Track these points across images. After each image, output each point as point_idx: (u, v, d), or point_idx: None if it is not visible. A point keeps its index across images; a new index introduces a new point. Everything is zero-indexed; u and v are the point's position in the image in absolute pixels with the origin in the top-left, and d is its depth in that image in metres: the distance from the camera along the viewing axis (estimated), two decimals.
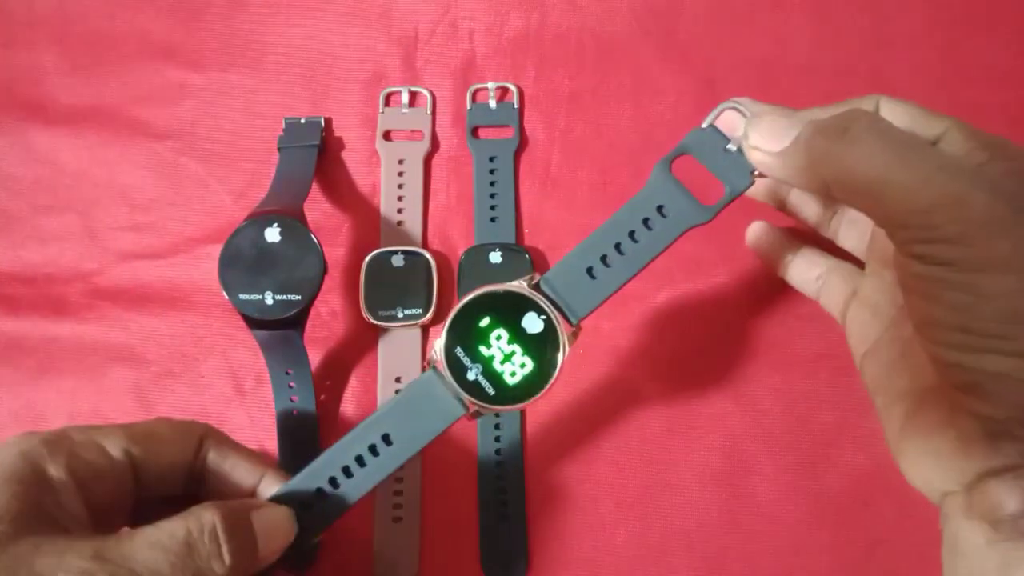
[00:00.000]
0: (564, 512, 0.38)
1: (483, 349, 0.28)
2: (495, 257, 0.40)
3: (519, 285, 0.29)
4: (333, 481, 0.29)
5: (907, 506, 0.37)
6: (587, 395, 0.39)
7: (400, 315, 0.40)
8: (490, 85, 0.44)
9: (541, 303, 0.28)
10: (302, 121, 0.43)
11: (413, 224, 0.42)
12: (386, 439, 0.29)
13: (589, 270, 0.28)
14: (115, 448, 0.28)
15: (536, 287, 0.29)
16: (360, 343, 0.41)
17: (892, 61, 0.43)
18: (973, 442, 0.25)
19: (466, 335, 0.28)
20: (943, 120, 0.26)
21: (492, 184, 0.42)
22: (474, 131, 0.43)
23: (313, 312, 0.36)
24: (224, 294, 0.35)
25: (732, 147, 0.28)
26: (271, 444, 0.39)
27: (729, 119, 0.29)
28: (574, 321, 0.29)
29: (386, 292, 0.40)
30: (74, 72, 0.46)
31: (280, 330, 0.37)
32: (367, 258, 0.40)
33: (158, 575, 0.23)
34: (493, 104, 0.44)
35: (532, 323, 0.28)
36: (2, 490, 0.24)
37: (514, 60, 0.44)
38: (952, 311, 0.23)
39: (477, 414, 0.29)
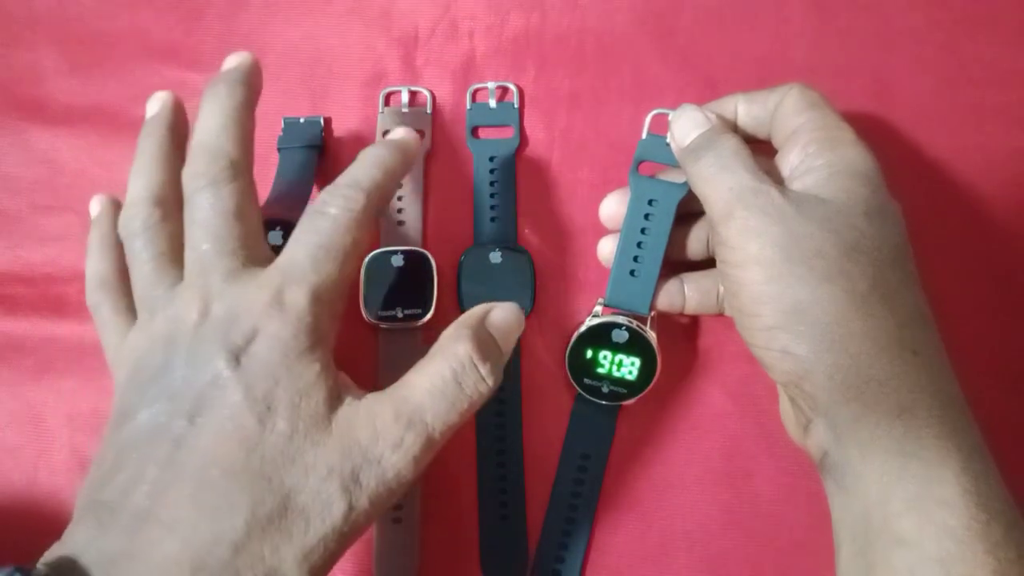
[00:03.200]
0: None
1: (600, 370, 0.37)
2: (495, 257, 0.40)
3: (592, 318, 0.37)
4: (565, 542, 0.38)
5: None
6: None
7: (400, 315, 0.40)
8: (490, 85, 0.44)
9: (615, 319, 0.36)
10: (301, 121, 0.43)
11: (413, 224, 0.42)
12: (585, 457, 0.38)
13: (631, 273, 0.36)
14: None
15: (606, 309, 0.37)
16: (360, 343, 0.41)
17: (892, 61, 0.43)
18: (792, 406, 0.32)
19: (583, 367, 0.37)
20: (808, 112, 0.32)
21: (492, 184, 0.42)
22: (474, 131, 0.43)
23: None
24: None
25: (668, 141, 0.35)
26: None
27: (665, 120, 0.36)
28: (645, 312, 0.36)
29: (386, 292, 0.40)
30: (74, 72, 0.45)
31: None
32: (367, 258, 0.40)
33: (445, 419, 0.28)
34: (493, 104, 0.44)
35: (619, 335, 0.36)
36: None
37: (514, 60, 0.44)
38: (732, 296, 0.31)
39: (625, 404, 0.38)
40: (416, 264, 0.40)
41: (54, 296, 0.42)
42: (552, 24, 0.45)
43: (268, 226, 0.36)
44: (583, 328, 0.37)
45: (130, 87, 0.45)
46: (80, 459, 0.40)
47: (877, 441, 0.28)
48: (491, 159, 0.43)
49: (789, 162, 0.32)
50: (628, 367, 0.36)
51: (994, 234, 0.40)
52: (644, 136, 0.37)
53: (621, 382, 0.37)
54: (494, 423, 0.39)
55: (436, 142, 0.44)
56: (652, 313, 0.36)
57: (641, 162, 0.37)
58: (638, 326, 0.36)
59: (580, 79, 0.44)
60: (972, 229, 0.41)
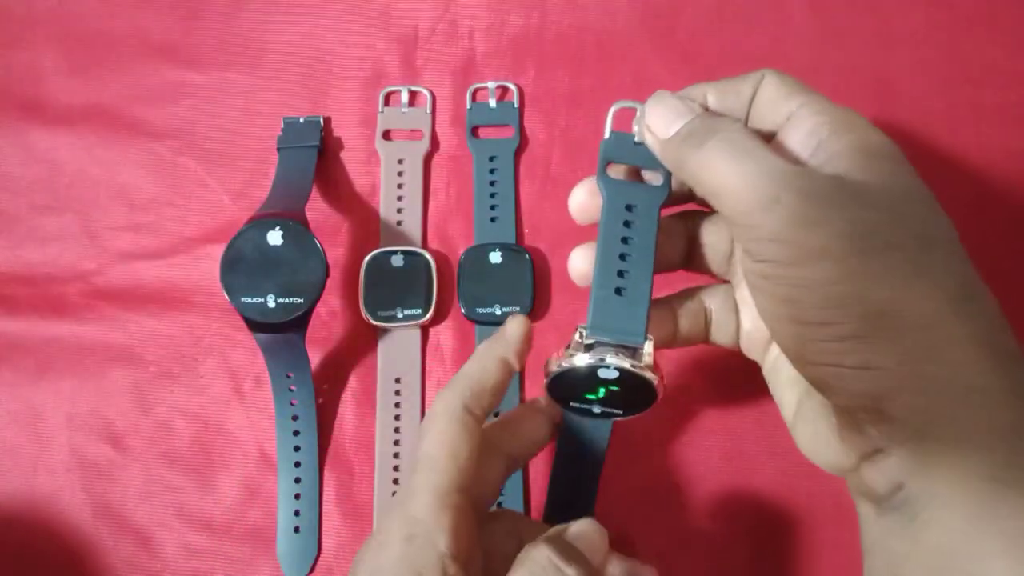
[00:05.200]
0: None
1: (589, 396, 0.30)
2: (495, 257, 0.40)
3: (574, 355, 0.29)
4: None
5: None
6: None
7: (400, 315, 0.40)
8: (490, 84, 0.44)
9: (599, 360, 0.29)
10: (301, 121, 0.43)
11: (413, 224, 0.42)
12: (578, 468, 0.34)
13: (617, 291, 0.29)
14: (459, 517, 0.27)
15: (590, 343, 0.29)
16: (360, 343, 0.41)
17: (893, 60, 0.43)
18: (844, 430, 0.27)
19: (569, 396, 0.31)
20: (799, 97, 0.28)
21: (492, 184, 0.42)
22: (474, 130, 0.43)
23: (313, 312, 0.36)
24: (226, 296, 0.35)
25: (638, 139, 0.30)
26: (270, 445, 0.39)
27: (628, 116, 0.31)
28: (640, 340, 0.29)
29: (386, 292, 0.40)
30: (74, 72, 0.45)
31: (282, 333, 0.37)
32: (367, 258, 0.40)
33: None
34: (493, 103, 0.44)
35: (608, 373, 0.29)
36: None
37: (514, 59, 0.44)
38: (784, 304, 0.25)
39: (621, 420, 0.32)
40: (416, 264, 0.40)
41: (54, 296, 0.42)
42: (552, 24, 0.45)
43: (268, 226, 0.36)
44: (557, 370, 0.29)
45: (130, 87, 0.45)
46: (80, 459, 0.40)
47: (975, 466, 0.24)
48: (491, 159, 0.43)
49: (795, 149, 0.28)
50: (621, 397, 0.30)
51: (994, 234, 0.40)
52: (607, 135, 0.31)
53: (614, 405, 0.31)
54: None
55: (436, 142, 0.44)
56: (649, 339, 0.29)
57: (608, 163, 0.31)
58: (632, 364, 0.28)
59: (580, 79, 0.44)
60: (972, 229, 0.41)
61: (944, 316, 0.24)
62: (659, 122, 0.29)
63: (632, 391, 0.29)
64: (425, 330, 0.41)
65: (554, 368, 0.30)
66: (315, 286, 0.36)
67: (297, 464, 0.39)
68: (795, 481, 0.38)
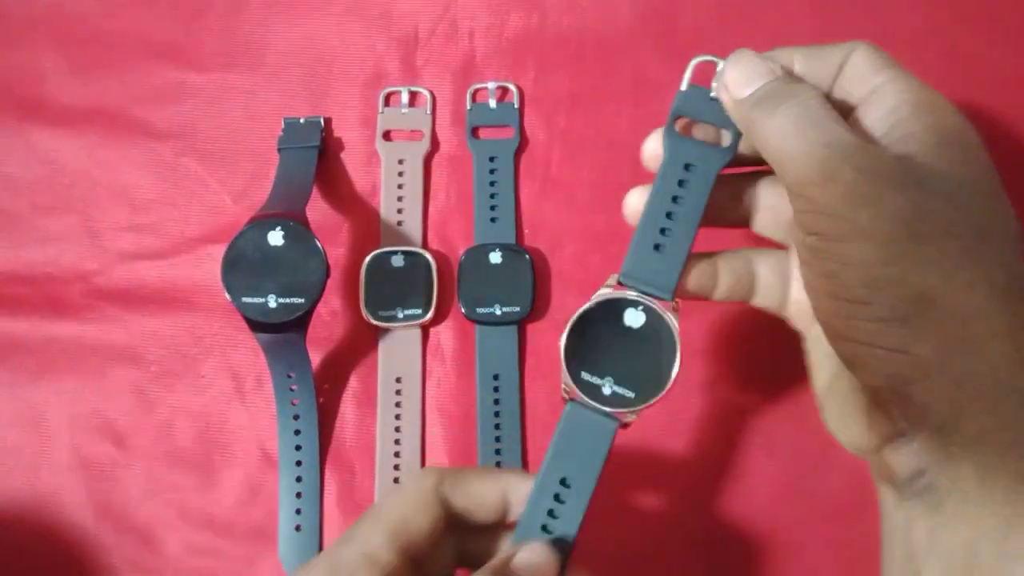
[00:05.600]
0: None
1: (605, 361, 0.29)
2: (495, 257, 0.40)
3: (603, 293, 0.29)
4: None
5: None
6: None
7: (400, 315, 0.40)
8: (490, 85, 0.44)
9: (632, 296, 0.29)
10: (301, 121, 0.43)
11: (413, 224, 0.42)
12: (564, 483, 0.29)
13: (656, 247, 0.29)
14: (386, 553, 0.25)
15: (619, 284, 0.29)
16: (360, 343, 0.41)
17: None
18: (871, 410, 0.26)
19: (584, 356, 0.29)
20: (887, 72, 0.27)
21: (492, 184, 0.42)
22: (474, 131, 0.43)
23: (313, 312, 0.36)
24: (227, 297, 0.35)
25: (714, 95, 0.29)
26: (271, 445, 0.39)
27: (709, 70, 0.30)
28: (668, 297, 0.29)
29: (386, 292, 0.40)
30: (74, 72, 0.45)
31: (283, 333, 0.37)
32: (367, 258, 0.40)
33: None
34: (493, 104, 0.44)
35: (634, 318, 0.29)
36: None
37: (514, 60, 0.44)
38: (825, 279, 0.25)
39: (627, 422, 0.29)
40: (416, 264, 0.40)
41: (54, 296, 0.42)
42: (552, 24, 0.45)
43: (268, 226, 0.36)
44: (590, 303, 0.29)
45: (130, 87, 0.45)
46: (80, 459, 0.40)
47: (1006, 465, 0.23)
48: (491, 159, 0.43)
49: (872, 125, 0.27)
50: (640, 359, 0.29)
51: None
52: (684, 87, 0.30)
53: (629, 379, 0.29)
54: (492, 425, 0.39)
55: (436, 142, 0.44)
56: (676, 301, 0.29)
57: (679, 117, 0.30)
58: (660, 308, 0.29)
59: (580, 79, 0.44)
60: None
61: (989, 310, 0.23)
62: (736, 81, 0.28)
63: (650, 350, 0.28)
64: (425, 330, 0.41)
65: (583, 307, 0.29)
66: (316, 286, 0.36)
67: (298, 463, 0.39)
68: (795, 481, 0.38)
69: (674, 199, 0.30)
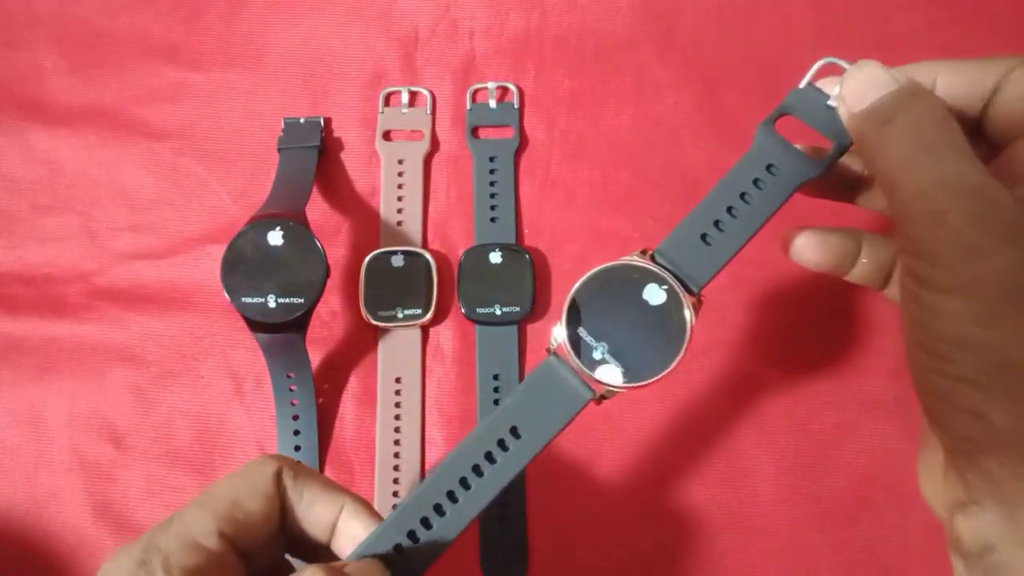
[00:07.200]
0: (564, 512, 0.38)
1: (608, 324, 0.27)
2: (495, 257, 0.40)
3: (634, 258, 0.27)
4: (442, 504, 0.26)
5: (907, 506, 0.37)
6: None
7: (400, 315, 0.40)
8: (490, 85, 0.44)
9: (660, 273, 0.27)
10: (301, 121, 0.43)
11: (413, 224, 0.42)
12: (514, 432, 0.27)
13: (703, 236, 0.27)
14: (209, 538, 0.24)
15: (652, 260, 0.27)
16: (360, 343, 0.41)
17: (893, 61, 0.43)
18: (947, 471, 0.24)
19: (588, 313, 0.27)
20: None
21: (492, 184, 0.42)
22: (474, 131, 0.43)
23: (313, 312, 0.36)
24: (227, 296, 0.35)
25: (833, 103, 0.27)
26: (271, 445, 0.39)
27: (829, 75, 0.28)
28: (695, 290, 0.27)
29: (386, 292, 0.40)
30: (74, 72, 0.45)
31: (282, 333, 0.37)
32: (367, 258, 0.40)
33: None
34: (493, 104, 0.44)
35: (654, 295, 0.27)
36: None
37: (514, 60, 0.44)
38: (912, 324, 0.23)
39: (604, 397, 0.27)
40: (416, 264, 0.40)
41: (54, 296, 0.42)
42: (552, 24, 0.45)
43: (268, 226, 0.36)
44: (615, 262, 0.27)
45: (130, 87, 0.45)
46: (80, 459, 0.40)
47: None
48: (491, 159, 0.43)
49: (1019, 162, 0.24)
50: (642, 339, 0.27)
51: None
52: (802, 85, 0.28)
53: (623, 354, 0.27)
54: None
55: (436, 142, 0.44)
56: (700, 298, 0.27)
57: (783, 115, 0.28)
58: (684, 294, 0.27)
59: (580, 79, 0.44)
60: None
61: None
62: (854, 91, 0.25)
63: (657, 334, 0.27)
64: (425, 330, 0.41)
65: (606, 264, 0.27)
66: (316, 286, 0.36)
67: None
68: (795, 481, 0.38)
69: (742, 195, 0.27)
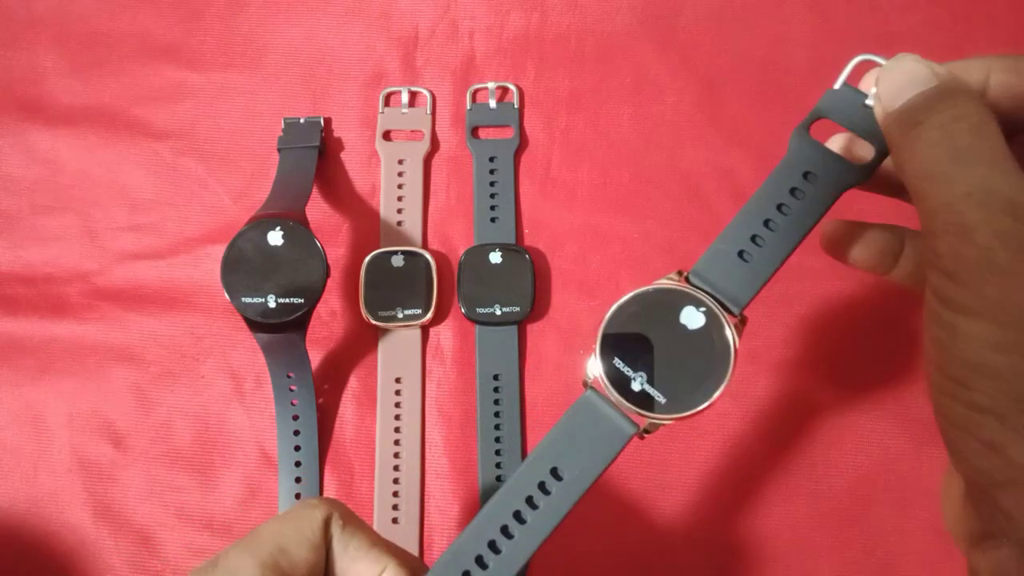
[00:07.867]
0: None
1: (647, 355, 0.25)
2: (495, 257, 0.40)
3: (668, 282, 0.26)
4: (483, 556, 0.25)
5: (907, 506, 0.37)
6: None
7: (400, 315, 0.40)
8: (490, 85, 0.44)
9: (697, 295, 0.25)
10: (301, 121, 0.43)
11: (413, 224, 0.42)
12: (555, 473, 0.25)
13: (740, 253, 0.26)
14: None
15: (687, 281, 0.26)
16: (360, 343, 0.41)
17: None
18: (964, 502, 0.23)
19: (623, 343, 0.25)
20: None
21: (492, 184, 0.42)
22: (474, 131, 0.43)
23: (313, 312, 0.36)
24: (227, 296, 0.35)
25: (870, 101, 0.25)
26: (271, 445, 0.39)
27: (866, 74, 0.26)
28: (736, 311, 0.26)
29: (386, 292, 0.40)
30: (74, 72, 0.45)
31: (282, 333, 0.37)
32: (367, 258, 0.40)
33: None
34: (493, 104, 0.44)
35: (692, 318, 0.25)
36: None
37: (514, 60, 0.44)
38: (932, 345, 0.22)
39: (647, 431, 0.25)
40: (416, 264, 0.40)
41: (54, 296, 0.42)
42: (552, 24, 0.45)
43: (268, 226, 0.36)
44: (648, 287, 0.26)
45: (130, 87, 0.45)
46: (80, 459, 0.40)
47: None
48: (491, 159, 0.43)
49: None
50: (684, 365, 0.25)
51: None
52: (836, 86, 0.26)
53: (664, 383, 0.25)
54: (493, 425, 0.39)
55: (436, 142, 0.44)
56: (742, 318, 0.26)
57: (819, 119, 0.26)
58: (725, 317, 0.25)
59: (580, 79, 0.44)
60: None
61: None
62: (889, 88, 0.23)
63: (698, 359, 0.25)
64: (425, 330, 0.41)
65: (640, 289, 0.26)
66: (316, 286, 0.36)
67: (297, 464, 0.39)
68: (796, 481, 0.38)
69: (779, 207, 0.26)
